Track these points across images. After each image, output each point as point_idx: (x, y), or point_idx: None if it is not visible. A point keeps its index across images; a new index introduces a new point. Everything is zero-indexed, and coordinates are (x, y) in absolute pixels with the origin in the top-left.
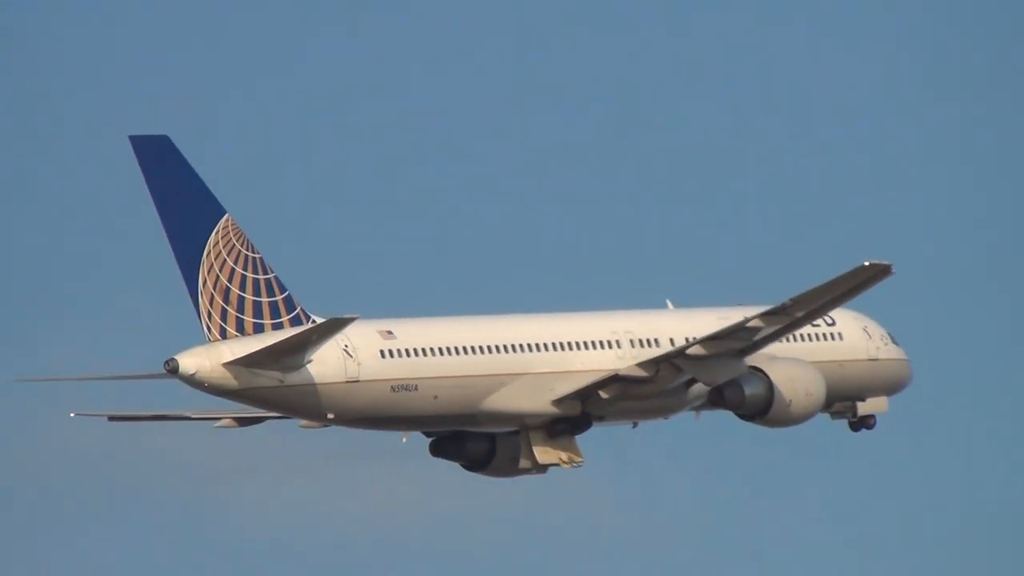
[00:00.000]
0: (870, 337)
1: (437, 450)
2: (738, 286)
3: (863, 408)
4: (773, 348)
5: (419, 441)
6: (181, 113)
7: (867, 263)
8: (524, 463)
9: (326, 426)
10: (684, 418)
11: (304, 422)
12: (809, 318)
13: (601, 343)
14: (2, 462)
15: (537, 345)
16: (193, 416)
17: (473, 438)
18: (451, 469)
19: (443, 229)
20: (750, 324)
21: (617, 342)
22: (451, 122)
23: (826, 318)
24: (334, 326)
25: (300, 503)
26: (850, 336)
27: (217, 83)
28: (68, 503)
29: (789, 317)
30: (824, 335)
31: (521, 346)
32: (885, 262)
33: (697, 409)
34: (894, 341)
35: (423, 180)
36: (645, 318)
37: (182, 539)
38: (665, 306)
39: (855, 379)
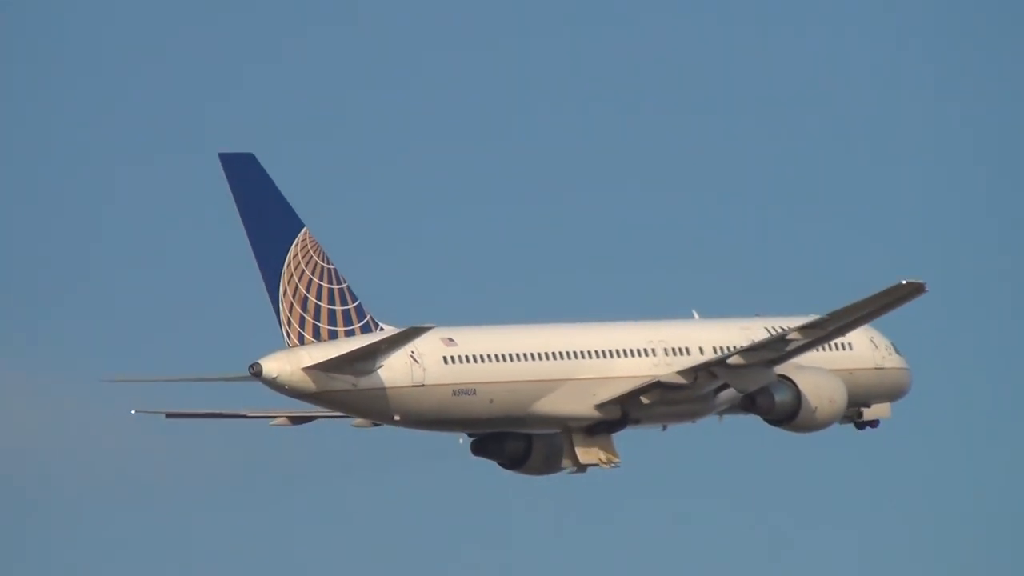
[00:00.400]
0: (876, 347)
1: (478, 449)
2: (758, 296)
3: (868, 414)
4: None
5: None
6: (265, 130)
7: (904, 281)
8: (566, 462)
9: (376, 425)
10: (709, 421)
11: (357, 422)
12: (840, 332)
13: (638, 351)
14: (86, 456)
15: (581, 353)
16: (249, 414)
17: (511, 438)
18: (489, 467)
19: (485, 239)
20: (789, 336)
21: (652, 350)
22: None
23: None
24: (410, 335)
25: (354, 501)
26: (859, 346)
27: (295, 103)
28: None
29: (823, 331)
30: (835, 345)
31: (567, 353)
32: (920, 280)
33: (721, 413)
34: (897, 351)
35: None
36: (676, 328)
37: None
38: (691, 316)
39: (863, 386)
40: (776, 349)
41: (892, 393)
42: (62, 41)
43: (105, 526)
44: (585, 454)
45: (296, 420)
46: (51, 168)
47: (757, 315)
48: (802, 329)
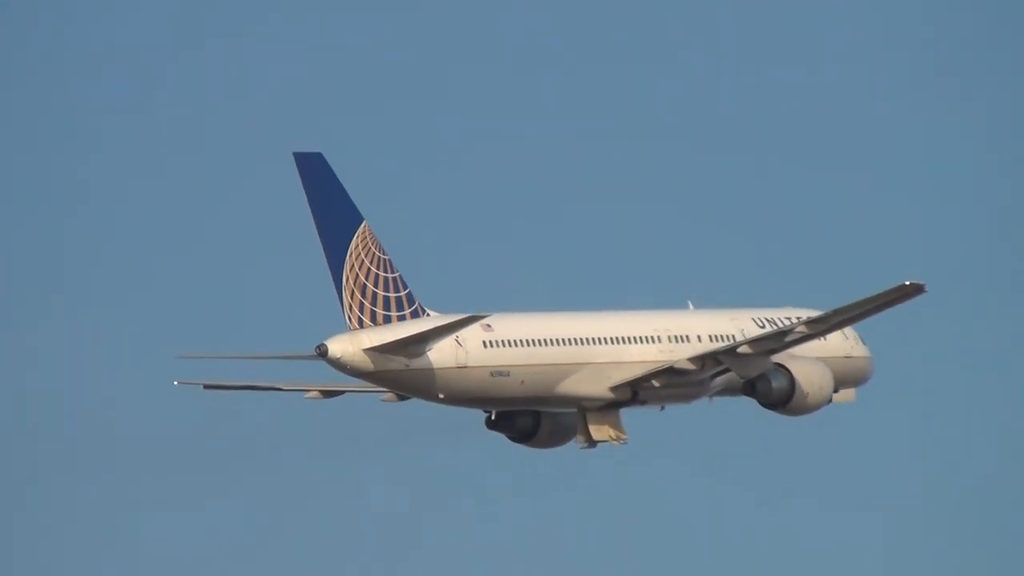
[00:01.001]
0: (847, 338)
1: (492, 424)
2: (747, 289)
3: (836, 399)
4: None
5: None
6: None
7: (907, 282)
8: (579, 438)
9: (404, 400)
10: (702, 402)
11: (385, 396)
12: (840, 326)
13: (646, 338)
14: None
15: (598, 339)
16: (284, 388)
17: (521, 415)
18: (500, 440)
19: (510, 235)
20: (797, 329)
21: (658, 338)
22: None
23: (810, 319)
24: (468, 322)
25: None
26: (832, 336)
27: (357, 103)
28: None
29: (826, 325)
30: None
31: (586, 340)
32: (920, 282)
33: (712, 396)
34: (862, 341)
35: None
36: (677, 318)
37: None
38: (687, 306)
39: (835, 373)
40: (778, 340)
41: (858, 379)
42: (147, 43)
43: (135, 490)
44: (597, 431)
45: (327, 394)
46: (156, 166)
47: (747, 307)
48: (808, 323)
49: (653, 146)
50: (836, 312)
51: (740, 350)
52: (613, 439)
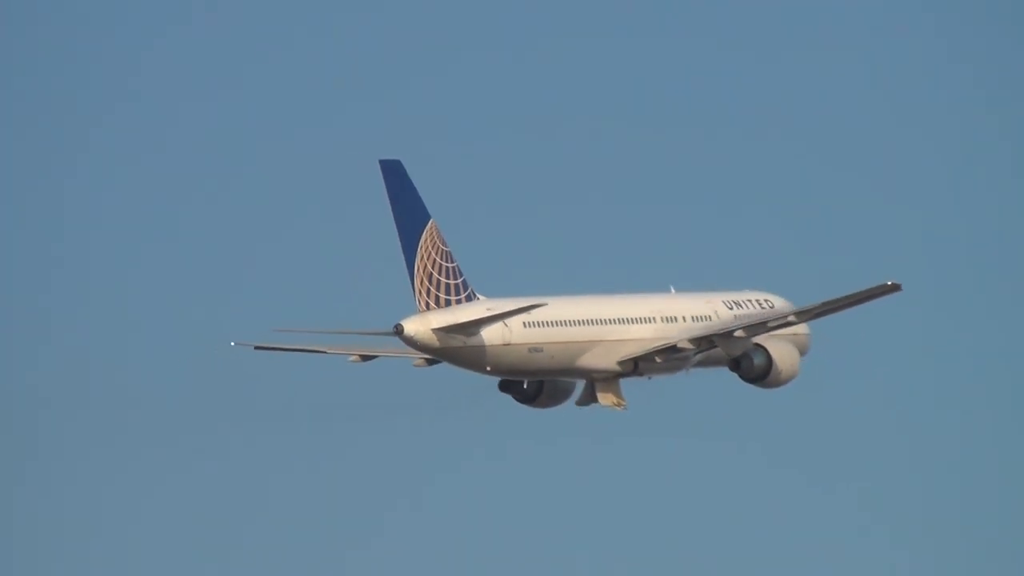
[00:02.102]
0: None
1: (504, 388)
2: (721, 274)
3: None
4: (729, 319)
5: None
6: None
7: (890, 283)
8: (583, 398)
9: (433, 364)
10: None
11: (417, 361)
12: (821, 315)
13: (644, 319)
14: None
15: (609, 320)
16: (329, 351)
17: (529, 381)
18: (508, 401)
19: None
20: (789, 318)
21: (653, 318)
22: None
23: (766, 302)
24: (530, 308)
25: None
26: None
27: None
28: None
29: (811, 314)
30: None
31: (600, 321)
32: (897, 282)
33: (688, 368)
34: None
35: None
36: (666, 301)
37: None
38: (669, 290)
39: None
40: (765, 325)
41: (802, 352)
42: (232, 50)
43: (189, 440)
44: (603, 398)
45: (366, 358)
46: (261, 168)
47: (721, 290)
48: (798, 313)
49: (648, 139)
50: (824, 304)
51: (737, 333)
52: (615, 405)
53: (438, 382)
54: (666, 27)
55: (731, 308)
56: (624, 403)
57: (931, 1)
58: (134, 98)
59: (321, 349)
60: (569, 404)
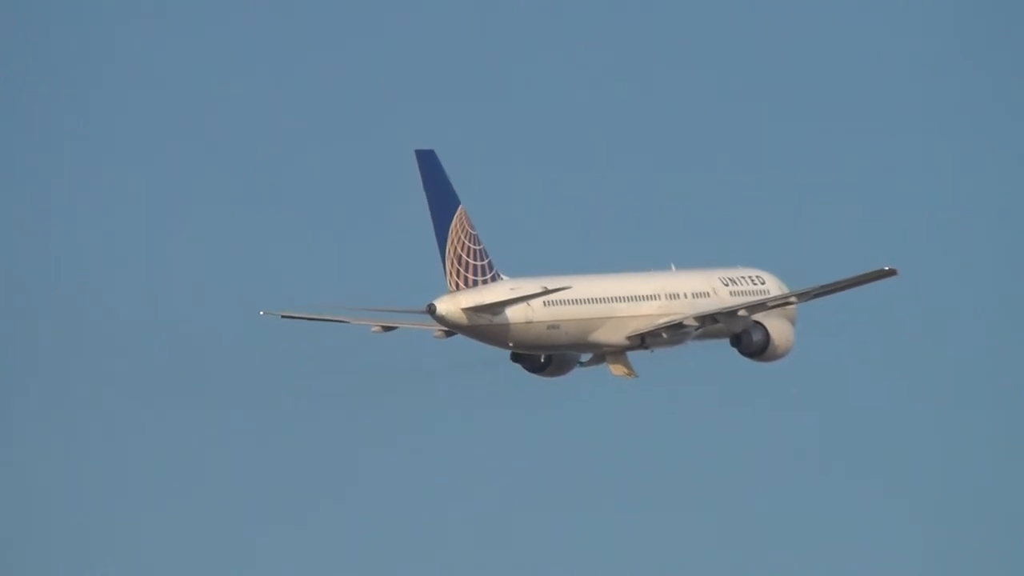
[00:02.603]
0: (783, 291)
1: (515, 358)
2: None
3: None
4: (725, 296)
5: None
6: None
7: (887, 268)
8: (592, 362)
9: (450, 336)
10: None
11: (437, 333)
12: (818, 297)
13: (649, 296)
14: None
15: (618, 298)
16: (351, 321)
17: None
18: (518, 370)
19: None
20: (791, 300)
21: (657, 296)
22: None
23: (758, 279)
24: (558, 290)
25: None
26: (773, 291)
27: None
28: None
29: (811, 295)
30: (761, 291)
31: (610, 299)
32: (894, 267)
33: (689, 341)
34: None
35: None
36: (669, 278)
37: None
38: (670, 268)
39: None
40: (765, 305)
41: (791, 322)
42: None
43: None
44: (615, 369)
45: (386, 328)
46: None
47: (714, 267)
48: (799, 294)
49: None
50: (822, 287)
51: (741, 312)
52: (626, 375)
53: (455, 352)
54: (670, 25)
55: (727, 284)
56: (634, 372)
57: None
58: (192, 81)
59: (344, 319)
60: (574, 372)
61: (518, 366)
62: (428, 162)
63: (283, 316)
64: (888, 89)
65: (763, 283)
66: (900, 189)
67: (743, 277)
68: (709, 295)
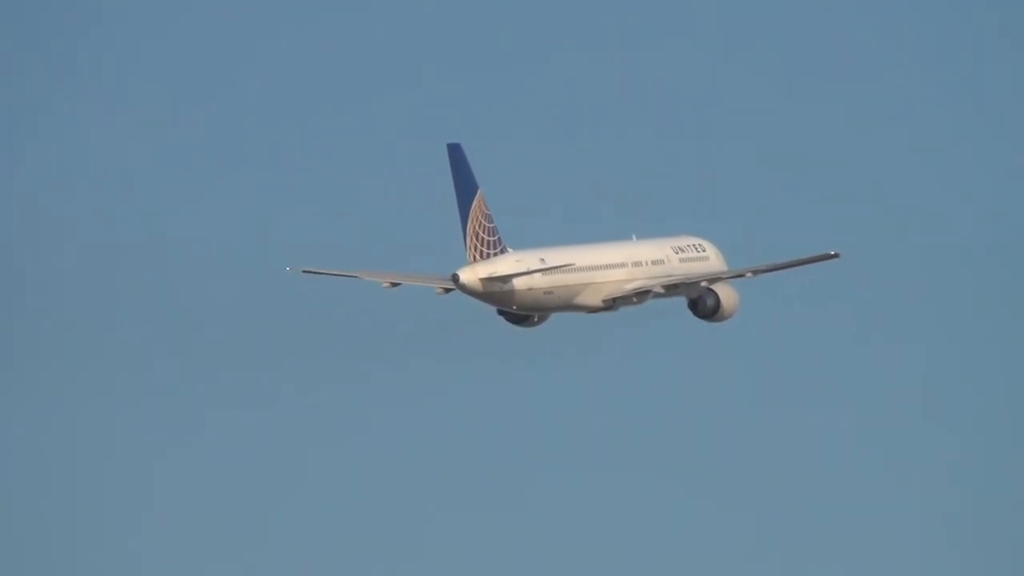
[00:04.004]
0: (719, 258)
1: (501, 313)
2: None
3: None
4: (675, 263)
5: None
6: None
7: (833, 252)
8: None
9: (449, 292)
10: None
11: (439, 291)
12: (768, 272)
13: (619, 264)
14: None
15: (597, 266)
16: (364, 277)
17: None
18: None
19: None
20: (746, 275)
21: (625, 263)
22: None
23: (700, 247)
24: (564, 268)
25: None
26: (713, 258)
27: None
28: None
29: (763, 271)
30: (704, 258)
31: (591, 267)
32: (837, 252)
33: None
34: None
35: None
36: (631, 247)
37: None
38: (631, 238)
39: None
40: (720, 277)
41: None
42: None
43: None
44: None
45: (394, 284)
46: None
47: (666, 235)
48: (754, 271)
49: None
50: (774, 265)
51: (704, 282)
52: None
53: (452, 307)
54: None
55: (677, 252)
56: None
57: None
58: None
59: (356, 275)
60: (547, 323)
61: (502, 319)
62: (455, 154)
63: (304, 271)
64: (859, 71)
65: (704, 251)
66: (861, 173)
67: (688, 245)
68: (664, 262)
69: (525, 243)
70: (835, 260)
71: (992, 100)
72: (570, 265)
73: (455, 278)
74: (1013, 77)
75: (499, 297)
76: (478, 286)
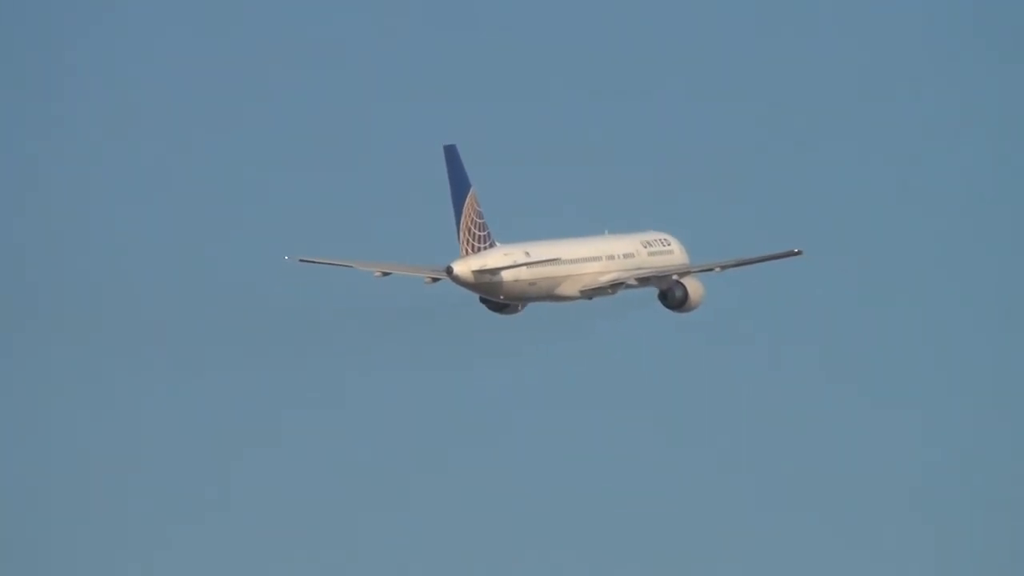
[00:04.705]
0: (682, 252)
1: (482, 301)
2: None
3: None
4: (644, 256)
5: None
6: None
7: (797, 250)
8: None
9: (437, 281)
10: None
11: (427, 280)
12: (736, 267)
13: (594, 258)
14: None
15: (576, 259)
16: (357, 266)
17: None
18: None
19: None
20: (714, 270)
21: (600, 257)
22: None
23: (665, 241)
24: (550, 262)
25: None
26: (677, 251)
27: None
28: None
29: (730, 265)
30: (669, 252)
31: (570, 260)
32: (800, 249)
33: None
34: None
35: None
36: (606, 242)
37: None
38: (604, 233)
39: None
40: (690, 271)
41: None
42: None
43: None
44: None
45: (384, 273)
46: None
47: (635, 231)
48: (723, 266)
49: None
50: (741, 260)
51: (675, 275)
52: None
53: (439, 295)
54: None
55: (645, 247)
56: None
57: None
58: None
59: (350, 264)
60: (524, 312)
61: (483, 307)
62: (451, 154)
63: (300, 260)
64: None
65: (669, 245)
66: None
67: (655, 240)
68: (634, 255)
69: (510, 237)
70: (798, 257)
71: (963, 102)
72: (556, 259)
73: (449, 270)
74: (982, 80)
75: (488, 287)
76: (470, 277)
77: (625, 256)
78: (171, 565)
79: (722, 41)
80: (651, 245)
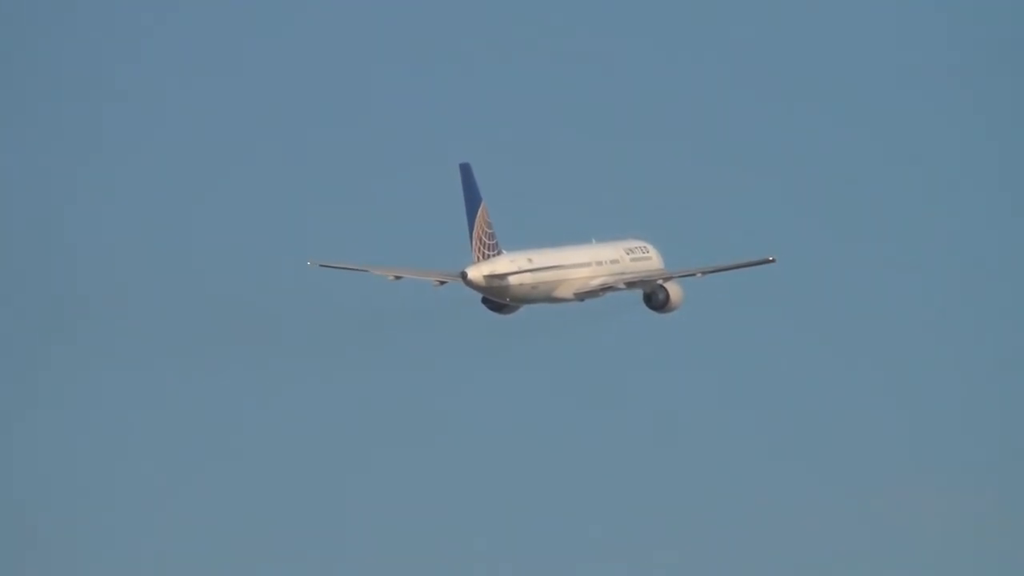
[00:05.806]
0: (659, 257)
1: (483, 302)
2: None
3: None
4: (627, 262)
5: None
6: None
7: (771, 258)
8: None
9: (442, 284)
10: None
11: (435, 284)
12: (713, 273)
13: (586, 264)
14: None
15: (568, 266)
16: (373, 271)
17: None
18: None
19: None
20: (696, 275)
21: (590, 263)
22: None
23: (645, 248)
24: (552, 270)
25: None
26: (654, 257)
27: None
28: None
29: (709, 272)
30: (648, 258)
31: (565, 265)
32: (774, 257)
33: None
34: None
35: None
36: (594, 249)
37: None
38: (591, 241)
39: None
40: (672, 276)
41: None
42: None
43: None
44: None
45: (398, 277)
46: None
47: (615, 239)
48: (703, 271)
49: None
50: (719, 267)
51: (660, 280)
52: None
53: (445, 295)
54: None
55: (628, 253)
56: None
57: None
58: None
59: (366, 269)
60: (520, 312)
61: (484, 307)
62: (466, 172)
63: (321, 265)
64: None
65: (648, 252)
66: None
67: (636, 247)
68: (619, 261)
69: (512, 245)
70: (771, 264)
71: (963, 102)
72: (558, 266)
73: (464, 275)
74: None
75: (496, 290)
76: (482, 282)
77: (611, 262)
78: (171, 565)
79: (723, 40)
80: (633, 252)
